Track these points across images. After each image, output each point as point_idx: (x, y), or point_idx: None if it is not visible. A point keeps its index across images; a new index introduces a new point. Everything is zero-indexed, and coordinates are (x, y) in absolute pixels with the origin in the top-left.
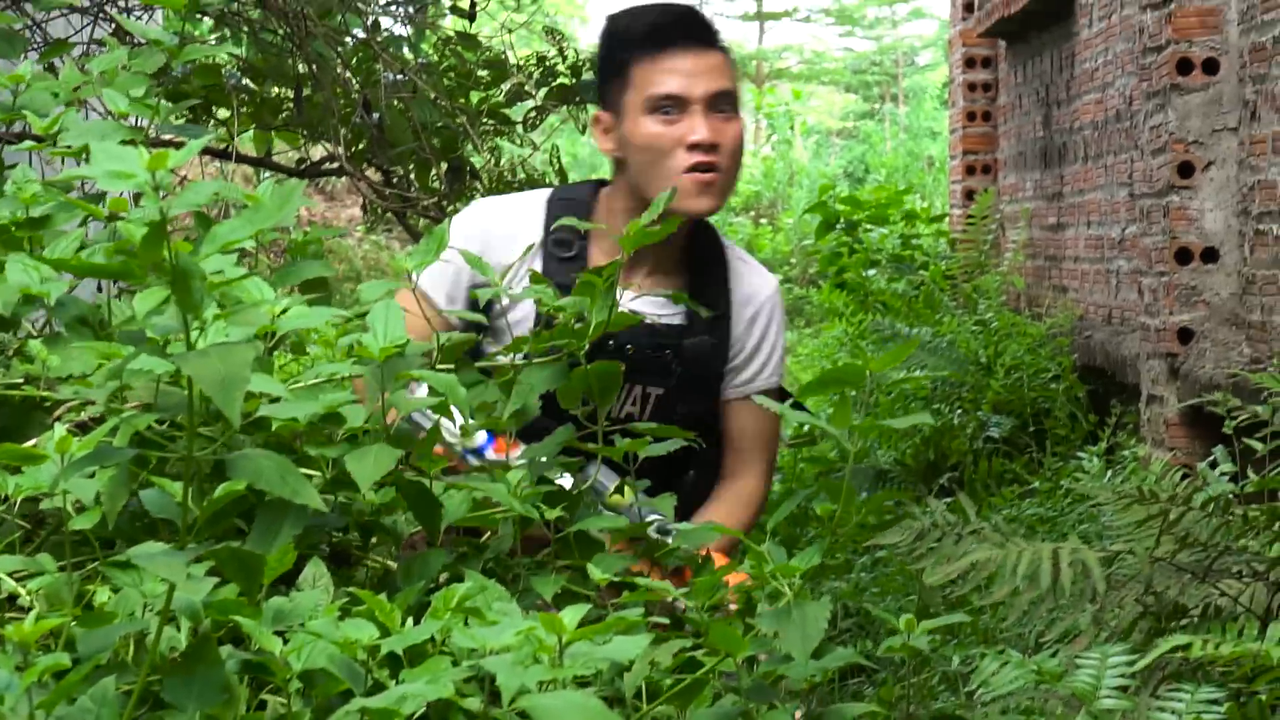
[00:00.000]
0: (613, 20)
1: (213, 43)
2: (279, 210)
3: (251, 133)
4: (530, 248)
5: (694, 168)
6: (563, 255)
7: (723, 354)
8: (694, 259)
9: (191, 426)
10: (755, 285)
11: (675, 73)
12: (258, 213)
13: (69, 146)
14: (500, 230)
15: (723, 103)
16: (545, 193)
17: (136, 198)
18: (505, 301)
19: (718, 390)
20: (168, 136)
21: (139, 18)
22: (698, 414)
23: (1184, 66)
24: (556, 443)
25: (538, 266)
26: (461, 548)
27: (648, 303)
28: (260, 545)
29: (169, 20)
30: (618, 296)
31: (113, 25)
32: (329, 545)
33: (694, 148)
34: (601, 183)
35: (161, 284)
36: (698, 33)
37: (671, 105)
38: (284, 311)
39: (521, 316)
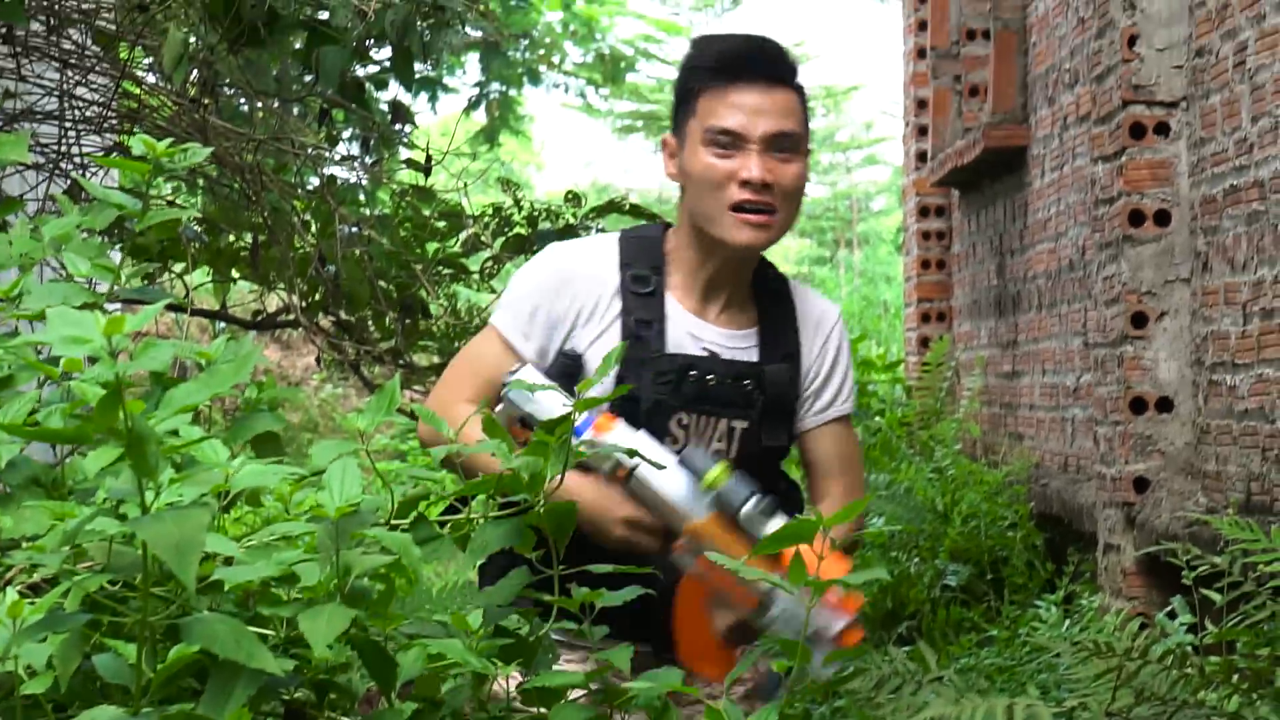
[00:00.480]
0: (693, 44)
1: (169, 193)
2: (235, 373)
3: (209, 281)
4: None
5: (742, 205)
6: (640, 291)
7: (796, 383)
8: (760, 292)
9: (146, 589)
10: (821, 311)
11: (737, 108)
12: (214, 376)
13: (28, 308)
14: (584, 270)
15: (784, 143)
16: (615, 234)
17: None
18: (584, 344)
19: (793, 422)
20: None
21: (94, 175)
22: (780, 448)
23: (1136, 218)
24: (513, 587)
25: (617, 305)
26: (417, 704)
27: (720, 335)
28: (213, 709)
29: (124, 175)
30: (694, 331)
31: (68, 180)
32: (283, 704)
33: (745, 185)
34: (669, 225)
35: (116, 444)
36: (767, 68)
37: (729, 140)
38: (238, 470)
39: (599, 355)
